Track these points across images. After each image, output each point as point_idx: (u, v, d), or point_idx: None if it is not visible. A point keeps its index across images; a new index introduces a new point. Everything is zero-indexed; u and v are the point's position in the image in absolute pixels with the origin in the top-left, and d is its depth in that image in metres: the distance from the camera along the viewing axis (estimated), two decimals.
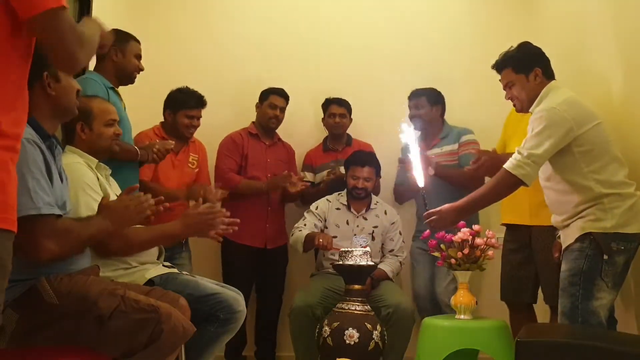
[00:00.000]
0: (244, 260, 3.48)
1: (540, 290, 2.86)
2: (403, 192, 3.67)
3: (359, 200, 3.42)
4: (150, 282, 2.22)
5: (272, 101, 3.61)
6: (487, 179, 3.07)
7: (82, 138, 2.17)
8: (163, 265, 2.36)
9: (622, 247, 2.22)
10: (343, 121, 3.70)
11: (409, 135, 2.80)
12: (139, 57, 2.88)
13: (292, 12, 4.11)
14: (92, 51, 1.49)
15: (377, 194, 3.61)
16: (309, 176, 3.74)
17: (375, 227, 3.40)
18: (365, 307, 2.74)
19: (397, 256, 3.39)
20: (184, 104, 3.26)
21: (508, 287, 2.93)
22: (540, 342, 1.94)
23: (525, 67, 2.48)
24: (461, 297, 2.65)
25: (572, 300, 2.23)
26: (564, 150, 2.30)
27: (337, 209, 3.44)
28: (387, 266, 3.31)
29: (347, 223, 3.40)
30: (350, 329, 2.63)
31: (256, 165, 3.57)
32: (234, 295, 2.33)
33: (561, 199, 2.37)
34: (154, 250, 2.36)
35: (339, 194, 3.50)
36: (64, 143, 2.19)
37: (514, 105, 2.60)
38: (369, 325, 2.65)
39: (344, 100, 3.71)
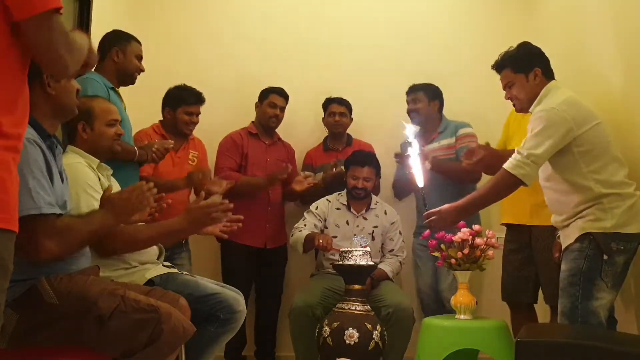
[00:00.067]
0: (243, 260, 3.48)
1: (540, 290, 2.86)
2: (402, 187, 3.68)
3: (359, 200, 3.42)
4: (150, 282, 2.22)
5: (272, 100, 3.62)
6: (485, 177, 3.09)
7: (83, 138, 2.17)
8: (163, 265, 2.36)
9: (622, 247, 2.22)
10: (343, 120, 3.71)
11: (410, 133, 2.81)
12: (139, 57, 2.88)
13: (292, 12, 4.11)
14: (80, 60, 1.48)
15: (377, 194, 3.61)
16: (303, 175, 3.72)
17: (375, 227, 3.40)
18: (365, 307, 2.74)
19: (397, 256, 3.39)
20: (183, 101, 3.27)
21: (509, 287, 2.93)
22: (540, 342, 1.94)
23: (524, 67, 2.48)
24: (461, 297, 2.65)
25: (572, 300, 2.23)
26: (564, 150, 2.30)
27: (337, 209, 3.44)
28: (387, 266, 3.31)
29: (347, 223, 3.40)
30: (350, 329, 2.63)
31: (256, 164, 3.57)
32: (234, 295, 2.33)
33: (561, 199, 2.37)
34: (154, 250, 2.36)
35: (339, 194, 3.50)
36: (66, 143, 2.19)
37: (514, 106, 2.60)
38: (369, 325, 2.65)
39: (345, 100, 3.71)
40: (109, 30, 2.91)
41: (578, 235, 2.27)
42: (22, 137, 1.34)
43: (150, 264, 2.30)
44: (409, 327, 3.01)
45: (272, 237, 3.58)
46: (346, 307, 2.72)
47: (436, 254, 2.72)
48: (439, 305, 3.31)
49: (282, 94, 3.64)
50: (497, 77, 2.59)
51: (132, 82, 2.91)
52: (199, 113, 3.34)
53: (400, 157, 3.37)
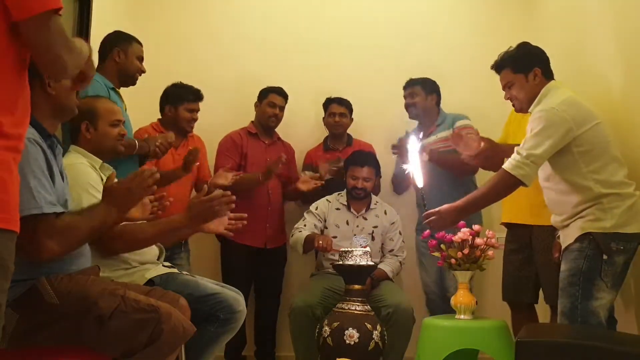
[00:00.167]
0: (243, 259, 3.48)
1: (541, 290, 2.86)
2: (400, 182, 3.69)
3: (359, 200, 3.42)
4: (150, 282, 2.22)
5: (271, 100, 3.62)
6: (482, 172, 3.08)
7: (87, 138, 2.17)
8: (163, 265, 2.36)
9: (622, 247, 2.22)
10: (343, 121, 3.71)
11: (411, 138, 2.82)
12: (141, 58, 2.89)
13: (292, 12, 4.11)
14: (79, 62, 1.48)
15: (377, 193, 3.61)
16: (309, 175, 3.72)
17: (375, 227, 3.40)
18: (365, 307, 2.74)
19: (397, 256, 3.40)
20: (184, 98, 3.29)
21: (509, 287, 2.93)
22: (540, 342, 1.94)
23: (524, 67, 2.48)
24: (461, 297, 2.65)
25: (572, 300, 2.23)
26: (563, 150, 2.30)
27: (337, 209, 3.45)
28: (387, 266, 3.31)
29: (347, 223, 3.40)
30: (350, 329, 2.63)
31: (256, 164, 3.56)
32: (234, 295, 2.33)
33: (560, 199, 2.37)
34: (154, 251, 2.36)
35: (338, 194, 3.50)
36: (69, 143, 2.19)
37: (513, 106, 2.60)
38: (369, 325, 2.65)
39: (345, 100, 3.71)
40: (109, 30, 2.91)
41: (578, 235, 2.27)
42: (22, 137, 1.33)
43: (150, 264, 2.30)
44: (409, 327, 3.01)
45: (272, 237, 3.58)
46: (346, 307, 2.72)
47: (436, 254, 2.72)
48: (445, 302, 3.30)
49: (281, 93, 3.64)
50: (497, 77, 2.58)
51: (133, 83, 2.91)
52: (199, 110, 3.36)
53: (398, 149, 3.37)
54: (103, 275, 2.03)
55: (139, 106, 3.23)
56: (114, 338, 1.73)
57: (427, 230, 2.72)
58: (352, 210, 3.43)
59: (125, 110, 2.81)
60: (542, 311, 2.96)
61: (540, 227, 2.74)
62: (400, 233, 3.44)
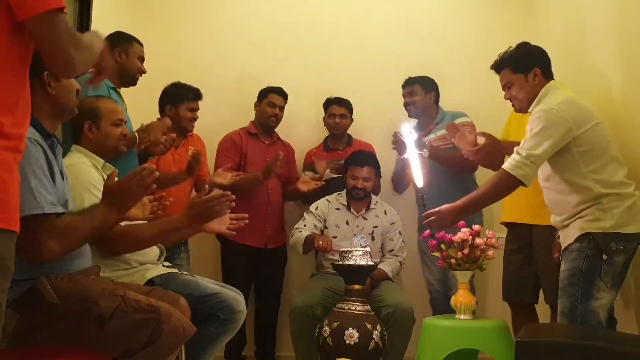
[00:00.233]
0: (243, 259, 3.48)
1: (541, 290, 2.86)
2: (399, 180, 3.69)
3: (359, 200, 3.42)
4: (151, 282, 2.22)
5: (271, 100, 3.62)
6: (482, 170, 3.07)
7: (89, 137, 2.17)
8: (163, 265, 2.36)
9: (622, 247, 2.22)
10: (343, 122, 3.71)
11: (407, 132, 2.81)
12: (141, 59, 2.89)
13: (292, 12, 4.11)
14: (90, 58, 1.47)
15: (377, 194, 3.61)
16: (309, 175, 3.72)
17: (375, 227, 3.40)
18: (365, 307, 2.74)
19: (397, 256, 3.40)
20: (185, 98, 3.29)
21: (509, 287, 2.92)
22: (540, 342, 1.94)
23: (523, 67, 2.47)
24: (461, 297, 2.65)
25: (572, 300, 2.23)
26: (563, 150, 2.30)
27: (337, 209, 3.45)
28: (387, 266, 3.31)
29: (347, 223, 3.40)
30: (350, 329, 2.63)
31: (255, 164, 3.56)
32: (234, 295, 2.33)
33: (560, 199, 2.37)
34: (155, 251, 2.36)
35: (338, 194, 3.50)
36: (70, 142, 2.19)
37: (513, 106, 2.60)
38: (369, 325, 2.65)
39: (345, 100, 3.71)
40: (109, 30, 2.90)
41: (577, 235, 2.27)
42: (23, 137, 1.33)
43: (150, 264, 2.30)
44: (409, 327, 3.01)
45: (272, 237, 3.58)
46: (346, 307, 2.72)
47: (436, 254, 2.72)
48: (449, 300, 3.29)
49: (281, 93, 3.64)
50: (497, 76, 2.58)
51: (134, 84, 2.91)
52: (199, 108, 3.36)
53: (396, 142, 3.35)
54: (103, 275, 2.03)
55: (139, 106, 3.23)
56: (114, 338, 1.73)
57: (427, 230, 2.72)
58: (352, 210, 3.43)
59: (126, 110, 2.80)
60: (542, 311, 2.96)
61: (541, 227, 2.74)
62: (400, 233, 3.44)
